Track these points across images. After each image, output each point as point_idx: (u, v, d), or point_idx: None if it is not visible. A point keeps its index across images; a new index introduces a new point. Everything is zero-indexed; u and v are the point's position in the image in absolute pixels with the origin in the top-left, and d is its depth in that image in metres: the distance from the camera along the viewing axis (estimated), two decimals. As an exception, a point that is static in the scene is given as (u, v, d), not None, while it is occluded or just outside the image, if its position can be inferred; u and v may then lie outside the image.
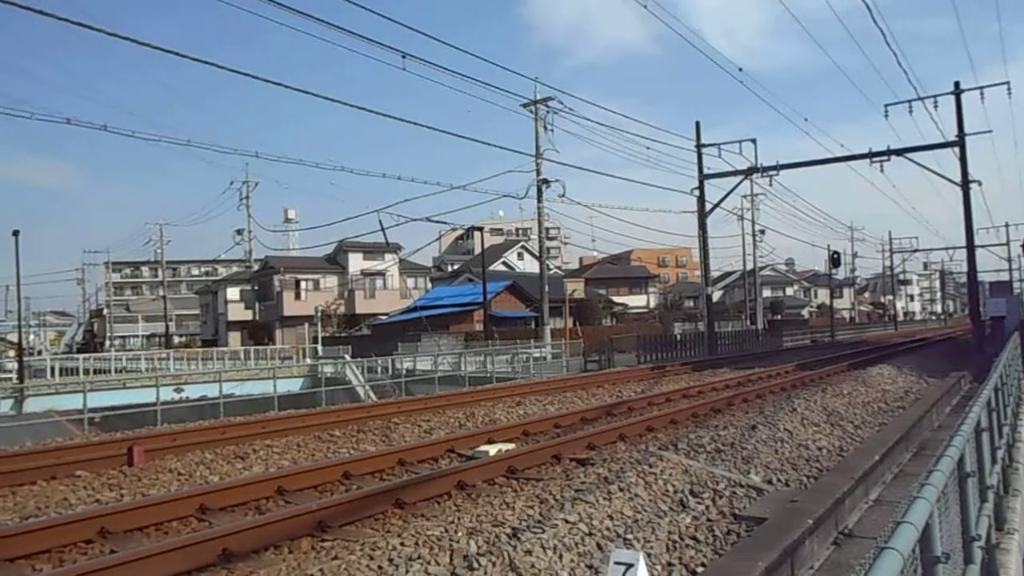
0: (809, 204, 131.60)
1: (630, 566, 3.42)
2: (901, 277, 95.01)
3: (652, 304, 73.51)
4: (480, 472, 7.81)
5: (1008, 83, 27.50)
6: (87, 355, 47.51)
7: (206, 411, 19.15)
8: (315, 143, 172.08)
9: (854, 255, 78.61)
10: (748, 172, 30.99)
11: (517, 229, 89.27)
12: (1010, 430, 7.86)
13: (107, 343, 74.75)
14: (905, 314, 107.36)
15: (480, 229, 43.96)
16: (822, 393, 13.11)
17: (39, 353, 64.61)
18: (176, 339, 72.77)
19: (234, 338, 60.88)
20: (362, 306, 59.79)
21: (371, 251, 59.24)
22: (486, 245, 44.17)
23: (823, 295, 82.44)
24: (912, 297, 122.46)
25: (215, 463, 9.30)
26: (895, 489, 7.43)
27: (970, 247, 28.36)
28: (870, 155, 28.30)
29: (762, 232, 57.34)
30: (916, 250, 72.32)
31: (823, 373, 18.70)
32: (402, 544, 5.12)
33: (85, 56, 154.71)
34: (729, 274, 78.61)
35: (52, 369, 39.04)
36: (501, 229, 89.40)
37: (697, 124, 32.32)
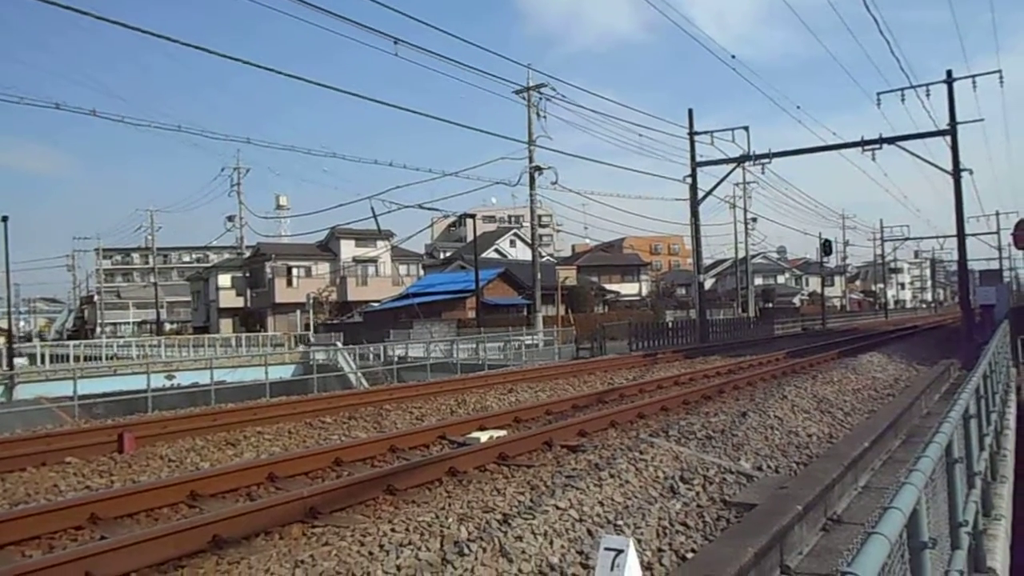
0: (801, 192, 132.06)
1: (620, 552, 3.42)
2: (892, 265, 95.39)
3: (644, 292, 73.66)
4: (471, 459, 7.82)
5: (1000, 72, 27.50)
6: (77, 342, 47.32)
7: (197, 398, 19.12)
8: (307, 130, 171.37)
9: (845, 243, 78.97)
10: (740, 160, 30.92)
11: (509, 216, 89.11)
12: (998, 417, 7.93)
13: (98, 330, 74.43)
14: (896, 302, 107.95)
15: (472, 216, 43.92)
16: (812, 380, 13.16)
17: (29, 340, 64.32)
18: (167, 326, 72.53)
19: (225, 325, 60.76)
20: (354, 293, 59.67)
21: (363, 238, 59.09)
22: (478, 232, 44.09)
23: (814, 283, 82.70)
24: (903, 285, 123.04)
25: (206, 450, 9.28)
26: (884, 475, 7.47)
27: (960, 236, 28.43)
28: (862, 143, 28.29)
29: (754, 220, 57.40)
30: (907, 238, 72.62)
31: (813, 361, 18.79)
32: (393, 530, 5.13)
33: (76, 42, 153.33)
34: (721, 262, 78.82)
35: (42, 356, 38.90)
36: (493, 216, 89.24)
37: (690, 112, 32.22)
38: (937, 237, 72.66)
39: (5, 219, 32.96)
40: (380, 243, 56.54)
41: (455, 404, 13.00)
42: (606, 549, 3.44)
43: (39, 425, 12.34)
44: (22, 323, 78.42)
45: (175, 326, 76.63)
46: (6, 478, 7.88)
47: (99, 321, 78.17)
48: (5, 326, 42.30)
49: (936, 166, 27.91)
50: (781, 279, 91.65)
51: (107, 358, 40.15)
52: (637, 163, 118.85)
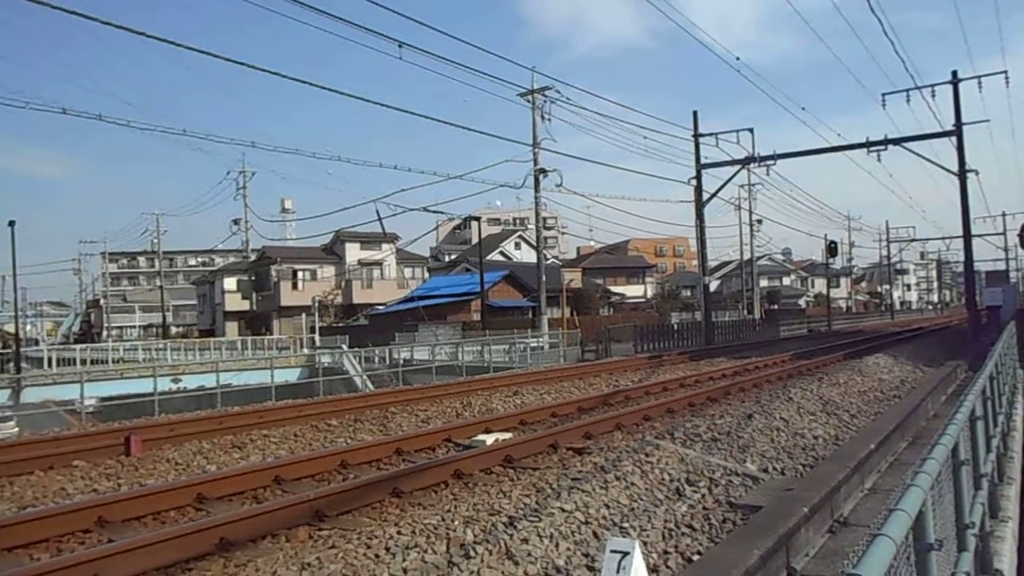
0: (806, 194, 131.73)
1: (626, 554, 3.43)
2: (898, 267, 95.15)
3: (649, 294, 73.60)
4: (477, 461, 7.82)
5: (1006, 72, 27.52)
6: (84, 345, 47.45)
7: (203, 401, 19.14)
8: (311, 134, 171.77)
9: (851, 245, 78.66)
10: (745, 161, 30.90)
11: (514, 219, 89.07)
12: (1005, 418, 7.90)
13: (104, 333, 74.62)
14: (902, 303, 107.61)
15: (477, 219, 43.97)
16: (818, 382, 13.14)
17: (36, 343, 64.54)
18: (173, 329, 72.69)
19: (231, 328, 60.87)
20: (359, 296, 59.75)
21: (368, 241, 59.17)
22: (483, 235, 44.16)
23: (820, 284, 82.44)
24: (909, 287, 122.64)
25: (212, 453, 9.32)
26: (890, 477, 7.46)
27: (967, 236, 28.38)
28: (867, 144, 28.24)
29: (759, 222, 57.36)
30: (913, 240, 72.52)
31: (819, 362, 18.74)
32: (399, 533, 5.14)
33: (81, 46, 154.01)
34: (726, 264, 78.65)
35: (49, 359, 39.03)
36: (498, 219, 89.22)
37: (695, 114, 32.19)
38: (943, 238, 72.64)
39: (12, 223, 33.12)
40: (385, 246, 56.54)
41: (460, 407, 13.01)
42: (612, 551, 3.44)
43: (47, 428, 12.39)
44: (29, 327, 78.72)
45: (181, 329, 76.73)
46: (14, 481, 7.92)
47: (106, 324, 78.34)
48: (12, 330, 42.45)
49: (942, 167, 27.91)
50: (787, 281, 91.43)
51: (113, 361, 40.27)
52: (642, 165, 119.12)
